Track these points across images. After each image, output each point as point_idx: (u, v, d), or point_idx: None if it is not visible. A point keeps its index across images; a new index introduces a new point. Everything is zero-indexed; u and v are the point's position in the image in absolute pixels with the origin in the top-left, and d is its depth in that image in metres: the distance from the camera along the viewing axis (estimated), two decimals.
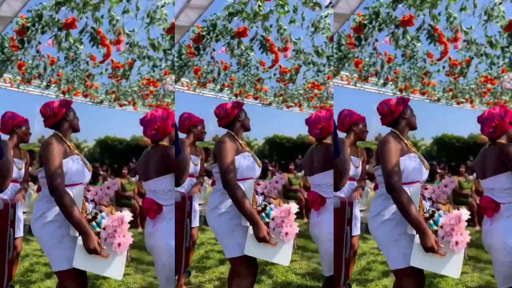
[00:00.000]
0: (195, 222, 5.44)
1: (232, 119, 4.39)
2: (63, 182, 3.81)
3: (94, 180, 7.41)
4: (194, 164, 5.44)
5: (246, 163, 4.32)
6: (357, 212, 4.92)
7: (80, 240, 3.80)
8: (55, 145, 3.90)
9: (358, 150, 5.10)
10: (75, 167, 3.92)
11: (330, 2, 6.10)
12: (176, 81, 6.91)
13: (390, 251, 3.90)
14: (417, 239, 3.76)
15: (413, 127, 4.10)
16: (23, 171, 4.98)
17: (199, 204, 7.43)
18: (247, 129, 4.50)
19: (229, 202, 4.24)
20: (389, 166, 3.81)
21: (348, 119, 5.05)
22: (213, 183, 4.60)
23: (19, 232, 4.93)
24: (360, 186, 5.18)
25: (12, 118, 4.96)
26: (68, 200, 3.76)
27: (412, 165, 3.90)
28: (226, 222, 4.27)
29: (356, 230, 4.89)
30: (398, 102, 4.02)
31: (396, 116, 4.00)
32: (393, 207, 3.87)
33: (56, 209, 3.85)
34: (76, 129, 4.14)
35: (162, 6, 5.69)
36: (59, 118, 4.01)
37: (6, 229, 4.58)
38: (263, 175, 8.09)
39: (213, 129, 7.78)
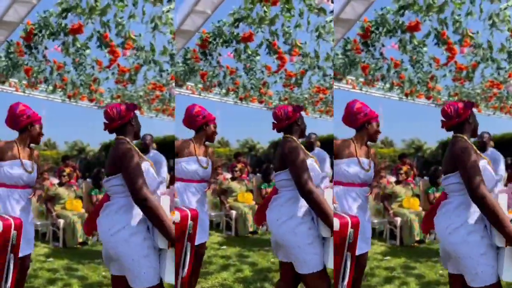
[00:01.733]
0: (205, 237, 4.85)
1: (292, 122, 4.09)
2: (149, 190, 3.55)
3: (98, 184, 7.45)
4: (203, 167, 4.93)
5: (313, 170, 3.98)
6: (368, 225, 4.30)
7: (170, 253, 3.56)
8: (134, 151, 3.62)
9: (370, 151, 4.39)
10: (148, 174, 3.65)
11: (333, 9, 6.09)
12: (180, 85, 6.93)
13: (478, 267, 3.54)
14: (508, 251, 3.49)
15: (475, 135, 3.79)
16: (34, 174, 4.32)
17: None
18: (303, 135, 4.17)
19: (302, 211, 3.92)
20: (474, 174, 3.51)
21: (362, 114, 4.32)
22: (275, 192, 4.07)
23: (29, 248, 4.26)
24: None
25: (27, 113, 4.29)
26: (161, 209, 3.51)
27: (487, 172, 3.61)
28: (304, 234, 3.90)
29: (367, 246, 4.28)
30: (466, 105, 3.75)
31: (463, 119, 3.71)
32: (474, 218, 3.58)
33: (137, 219, 3.58)
34: (138, 136, 3.81)
35: (168, 11, 5.67)
36: (125, 121, 3.73)
37: (5, 258, 3.92)
38: (267, 180, 8.12)
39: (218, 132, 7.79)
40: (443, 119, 3.79)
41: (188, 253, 4.25)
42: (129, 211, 3.58)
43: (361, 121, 4.26)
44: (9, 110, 4.31)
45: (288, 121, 4.06)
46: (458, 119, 3.71)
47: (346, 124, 4.34)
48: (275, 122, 4.14)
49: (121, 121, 3.72)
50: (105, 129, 3.79)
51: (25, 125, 4.26)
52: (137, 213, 3.57)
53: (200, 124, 4.89)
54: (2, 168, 4.17)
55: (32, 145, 4.32)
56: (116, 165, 3.58)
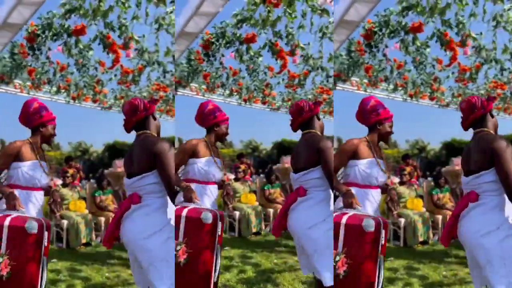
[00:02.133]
0: None
1: (312, 116, 3.98)
2: None
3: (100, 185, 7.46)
4: (220, 169, 4.67)
5: None
6: None
7: None
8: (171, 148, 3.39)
9: (382, 152, 4.16)
10: None
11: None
12: (184, 86, 6.94)
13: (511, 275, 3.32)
14: None
15: (496, 130, 3.61)
16: (49, 176, 4.08)
17: None
18: (323, 131, 4.04)
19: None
20: None
21: (375, 113, 4.08)
22: (303, 193, 3.89)
23: None
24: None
25: (40, 113, 4.01)
26: None
27: None
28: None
29: None
30: (489, 98, 3.60)
31: (487, 111, 3.54)
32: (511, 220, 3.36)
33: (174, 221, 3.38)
34: (159, 132, 3.59)
35: (171, 12, 5.69)
36: (149, 114, 3.53)
37: (40, 259, 3.63)
38: (270, 181, 8.11)
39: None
40: (464, 115, 3.61)
41: (219, 256, 4.05)
42: (166, 211, 3.37)
43: (372, 121, 4.07)
44: (23, 107, 4.08)
45: (311, 113, 3.94)
46: (484, 110, 3.54)
47: (359, 121, 4.16)
48: (294, 117, 4.00)
49: (146, 112, 3.52)
50: (125, 125, 3.56)
51: (36, 125, 4.00)
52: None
53: (211, 123, 4.65)
54: (20, 169, 3.89)
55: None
56: (152, 161, 3.34)
